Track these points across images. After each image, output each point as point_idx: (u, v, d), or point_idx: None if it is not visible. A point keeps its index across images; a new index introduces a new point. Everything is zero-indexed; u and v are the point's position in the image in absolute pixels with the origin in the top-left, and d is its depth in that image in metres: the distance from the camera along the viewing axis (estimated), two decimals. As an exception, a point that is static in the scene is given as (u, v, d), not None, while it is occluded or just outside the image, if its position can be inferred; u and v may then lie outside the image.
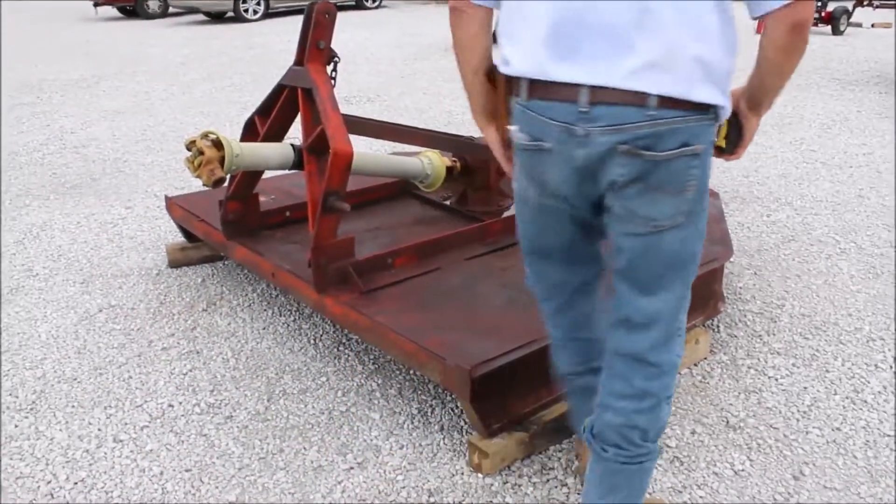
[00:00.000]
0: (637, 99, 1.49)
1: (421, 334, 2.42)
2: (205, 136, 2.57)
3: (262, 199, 3.45)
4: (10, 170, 5.61)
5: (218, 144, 2.56)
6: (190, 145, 2.54)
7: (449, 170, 3.40)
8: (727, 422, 2.59)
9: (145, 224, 4.46)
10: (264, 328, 3.25)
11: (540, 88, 1.59)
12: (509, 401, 2.37)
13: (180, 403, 2.75)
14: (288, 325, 3.26)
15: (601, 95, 1.51)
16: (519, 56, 1.61)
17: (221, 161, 2.54)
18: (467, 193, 3.59)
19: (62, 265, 3.92)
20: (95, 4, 18.46)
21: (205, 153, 2.50)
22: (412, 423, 2.61)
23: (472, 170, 3.49)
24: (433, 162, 3.34)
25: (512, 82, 1.65)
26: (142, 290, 3.61)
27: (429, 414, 2.65)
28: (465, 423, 2.58)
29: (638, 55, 1.48)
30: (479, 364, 2.24)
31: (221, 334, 3.20)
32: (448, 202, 3.69)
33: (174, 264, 3.82)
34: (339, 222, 2.73)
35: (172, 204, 3.72)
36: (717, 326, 3.20)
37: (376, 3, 19.33)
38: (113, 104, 7.75)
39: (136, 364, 3.00)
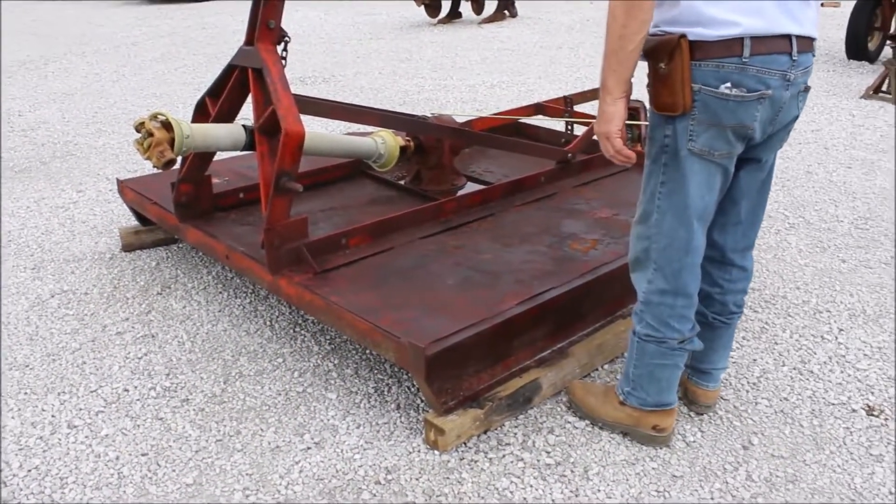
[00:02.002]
0: (812, 45, 2.00)
1: (375, 313, 2.43)
2: (154, 117, 2.54)
3: (214, 180, 3.42)
4: (-44, 154, 5.48)
5: (167, 126, 2.53)
6: (139, 127, 2.51)
7: (402, 149, 3.41)
8: (679, 395, 2.64)
9: (97, 208, 4.39)
10: (220, 311, 3.23)
11: (761, 44, 1.90)
12: (464, 378, 2.39)
13: (135, 388, 2.73)
14: (244, 307, 3.25)
15: (802, 44, 1.95)
16: (744, 17, 1.88)
17: (171, 143, 2.52)
18: (421, 173, 3.60)
19: (12, 251, 3.85)
20: (42, -17, 17.96)
21: (154, 135, 2.47)
22: (369, 402, 2.63)
23: (426, 149, 3.49)
24: (387, 142, 3.34)
25: (721, 46, 1.89)
26: (95, 274, 3.57)
27: (385, 393, 2.67)
28: (422, 401, 2.60)
29: (812, 6, 1.97)
30: (433, 342, 2.26)
31: (177, 317, 3.18)
32: (402, 182, 3.69)
33: (128, 248, 3.78)
34: (292, 203, 2.72)
35: (124, 187, 3.67)
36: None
37: (331, -18, 19.08)
38: (62, 86, 7.59)
39: (90, 349, 2.97)
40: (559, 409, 2.59)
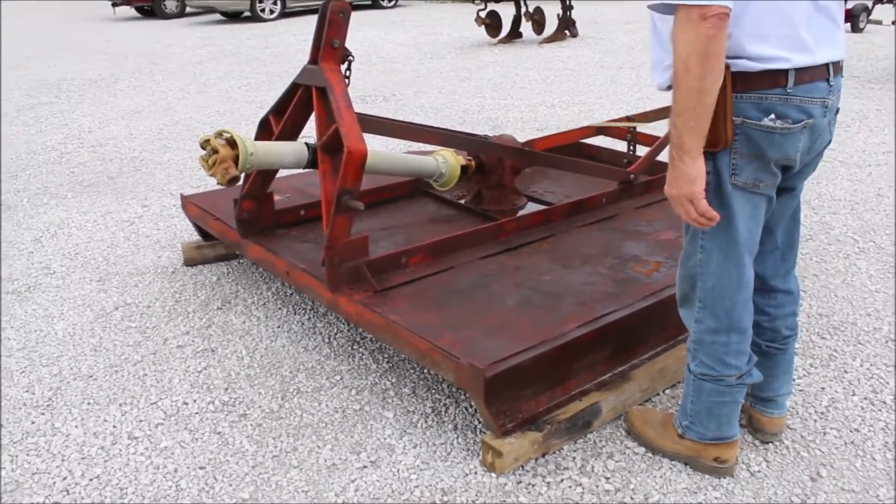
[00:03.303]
0: (841, 67, 1.96)
1: (434, 333, 2.41)
2: (219, 134, 2.57)
3: (276, 197, 3.45)
4: (29, 168, 5.65)
5: (232, 143, 2.56)
6: (204, 144, 2.54)
7: (463, 168, 3.40)
8: (743, 422, 2.56)
9: (161, 222, 4.48)
10: (279, 326, 3.25)
11: (804, 73, 1.86)
12: (523, 400, 2.36)
13: (195, 401, 2.76)
14: (302, 324, 3.26)
15: (836, 69, 1.93)
16: (792, 52, 1.84)
17: (235, 160, 2.55)
18: (482, 192, 3.59)
19: (79, 263, 3.94)
20: (114, 4, 18.59)
21: (219, 152, 2.50)
22: (426, 421, 2.60)
23: (487, 168, 3.48)
24: (447, 160, 3.34)
25: (765, 77, 1.85)
26: (157, 288, 3.63)
27: (442, 413, 2.65)
28: (479, 422, 2.57)
29: (841, 28, 1.94)
30: (492, 363, 2.23)
31: (236, 332, 3.21)
32: (462, 201, 3.68)
33: (190, 262, 3.83)
34: (353, 221, 2.73)
35: (188, 202, 3.73)
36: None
37: (392, 3, 19.34)
38: (130, 103, 7.80)
39: (152, 362, 3.01)
40: (619, 433, 2.53)
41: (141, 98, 8.05)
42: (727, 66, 1.81)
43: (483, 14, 11.11)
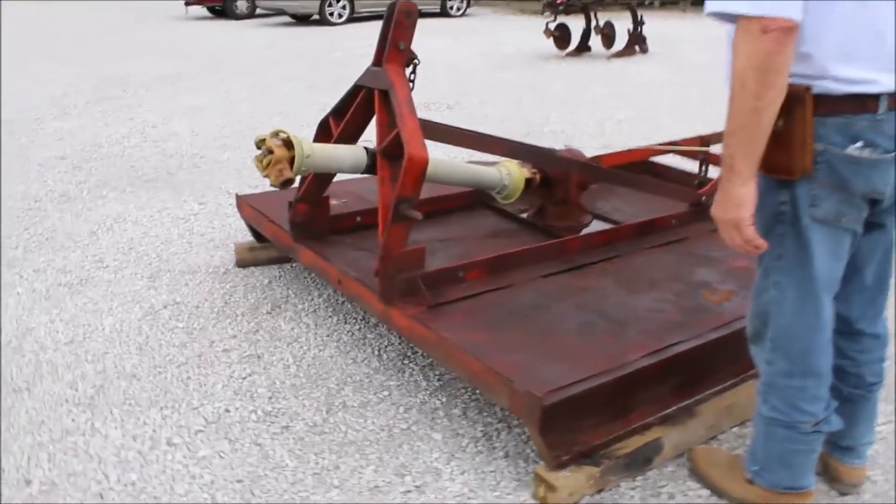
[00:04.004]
0: None
1: (489, 354, 2.28)
2: (276, 134, 2.48)
3: (332, 202, 3.36)
4: (92, 160, 5.68)
5: (288, 144, 2.46)
6: (260, 143, 2.45)
7: (528, 182, 3.26)
8: (819, 471, 2.37)
9: (216, 221, 4.43)
10: (328, 335, 3.15)
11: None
12: (580, 432, 2.20)
13: (237, 409, 2.66)
14: (352, 334, 3.16)
15: None
16: (883, 74, 1.66)
17: (291, 161, 2.45)
18: (546, 207, 3.44)
19: (132, 258, 3.90)
20: (186, 4, 18.91)
21: (274, 152, 2.41)
22: (475, 446, 2.47)
23: (552, 183, 3.33)
24: (511, 172, 3.20)
25: (852, 101, 1.66)
26: (207, 288, 3.56)
27: (493, 438, 2.50)
28: (532, 451, 2.42)
29: None
30: (550, 391, 2.08)
31: (284, 339, 3.12)
32: (525, 215, 3.54)
33: (242, 264, 3.76)
34: (410, 231, 2.60)
35: (242, 203, 3.66)
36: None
37: (461, 12, 19.29)
38: (194, 101, 7.83)
39: (196, 364, 2.93)
40: (681, 472, 2.36)
41: (204, 96, 8.08)
42: (807, 88, 1.64)
43: (552, 26, 10.95)
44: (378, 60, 2.73)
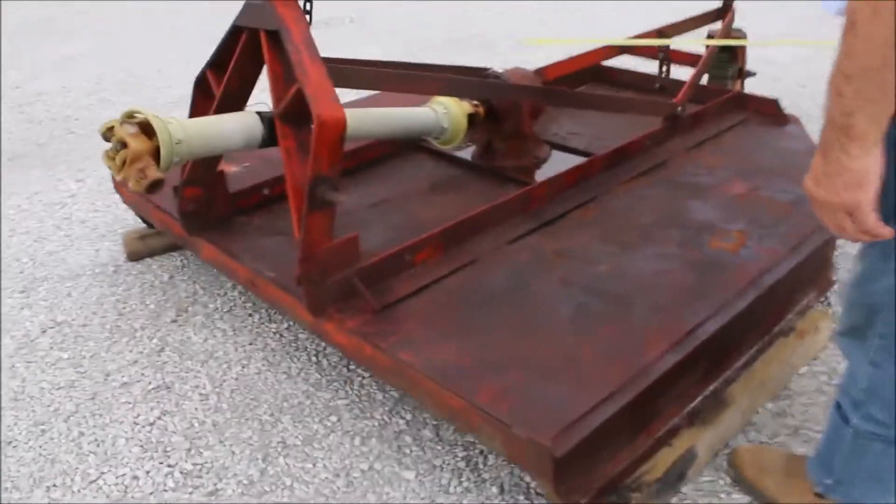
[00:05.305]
0: None
1: (467, 380, 1.70)
2: (128, 117, 1.79)
3: (231, 169, 2.69)
4: (-56, 141, 4.78)
5: (147, 130, 1.77)
6: (108, 133, 1.76)
7: (470, 118, 2.63)
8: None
9: (99, 201, 3.69)
10: (251, 342, 2.54)
11: None
12: (600, 464, 1.67)
13: (147, 473, 2.06)
14: (281, 336, 2.55)
15: None
16: None
17: (156, 154, 1.77)
18: (494, 144, 2.82)
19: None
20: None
21: (129, 145, 1.72)
22: (459, 481, 1.93)
23: (500, 114, 2.71)
24: (450, 110, 2.57)
25: None
26: (95, 296, 2.88)
27: (480, 467, 1.97)
28: (533, 479, 1.89)
29: None
30: (561, 432, 1.53)
31: (197, 356, 2.49)
32: (467, 156, 2.92)
33: (134, 256, 3.08)
34: (335, 217, 1.97)
35: (122, 186, 2.94)
36: (827, 298, 2.49)
37: None
38: (67, 49, 6.81)
39: (89, 412, 2.30)
40: (721, 479, 1.88)
41: (79, 42, 7.04)
42: None
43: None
44: (259, -11, 2.02)
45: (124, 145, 1.72)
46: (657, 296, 1.96)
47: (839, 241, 2.66)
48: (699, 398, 1.90)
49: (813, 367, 2.23)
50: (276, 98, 2.01)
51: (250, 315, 2.68)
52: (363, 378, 2.32)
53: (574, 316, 1.90)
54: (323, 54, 1.97)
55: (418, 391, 1.76)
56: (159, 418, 2.25)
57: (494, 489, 1.89)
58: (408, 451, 2.04)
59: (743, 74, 3.70)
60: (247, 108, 2.19)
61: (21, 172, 4.13)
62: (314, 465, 2.03)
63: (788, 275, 2.07)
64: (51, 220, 3.54)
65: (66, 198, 3.76)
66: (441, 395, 1.69)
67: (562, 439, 1.51)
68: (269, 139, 2.04)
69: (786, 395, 2.14)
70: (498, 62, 3.20)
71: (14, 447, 2.19)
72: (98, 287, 2.94)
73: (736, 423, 1.97)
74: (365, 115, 2.31)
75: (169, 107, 4.88)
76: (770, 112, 3.08)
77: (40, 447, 2.18)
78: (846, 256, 2.69)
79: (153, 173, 1.71)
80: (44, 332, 2.71)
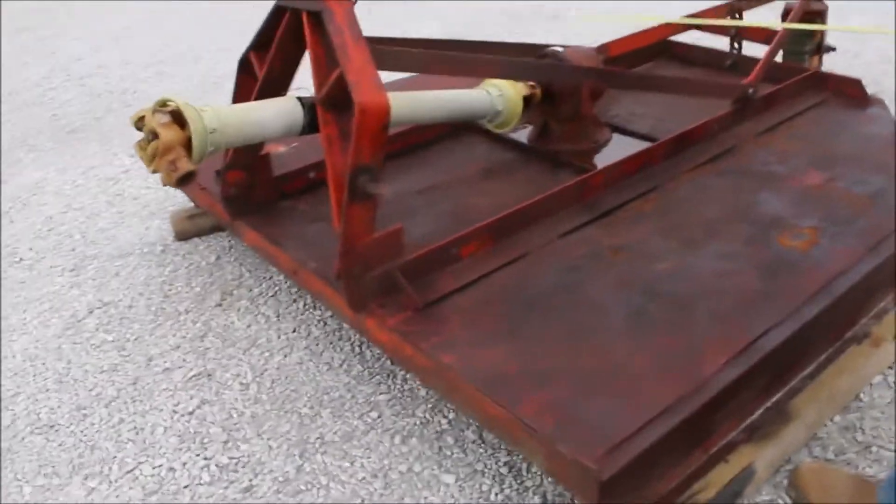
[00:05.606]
0: None
1: (511, 389, 1.60)
2: (161, 106, 1.71)
3: (279, 149, 2.62)
4: (7, 114, 4.83)
5: (179, 120, 1.69)
6: (139, 123, 1.69)
7: (526, 100, 2.50)
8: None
9: (151, 177, 3.65)
10: (294, 330, 2.48)
11: None
12: (650, 484, 1.55)
13: (184, 465, 2.02)
14: (325, 324, 2.48)
15: None
16: None
17: (188, 144, 1.69)
18: (551, 127, 2.69)
19: (51, 244, 3.17)
20: None
21: (160, 136, 1.65)
22: (500, 488, 1.84)
23: (558, 96, 2.57)
24: (504, 92, 2.44)
25: None
26: (142, 277, 2.85)
27: (523, 473, 1.87)
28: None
29: None
30: (608, 452, 1.42)
31: (239, 343, 2.44)
32: (526, 140, 2.79)
33: (182, 236, 3.04)
34: (377, 208, 1.88)
35: (169, 165, 2.89)
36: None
37: None
38: (126, 20, 6.84)
39: (130, 398, 2.27)
40: (780, 499, 1.75)
41: (138, 13, 7.07)
42: None
43: None
44: (303, -33, 1.93)
45: (155, 136, 1.65)
46: (719, 300, 1.82)
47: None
48: (760, 411, 1.77)
49: (888, 377, 2.07)
50: (318, 83, 1.91)
51: (295, 301, 2.62)
52: (406, 372, 2.23)
53: (629, 321, 1.78)
54: (375, 31, 1.86)
55: (459, 397, 1.67)
56: (198, 407, 2.21)
57: (537, 499, 1.80)
58: (449, 453, 1.95)
59: (821, 50, 3.47)
60: (290, 93, 2.10)
61: (80, 146, 4.14)
62: (352, 463, 1.96)
63: (865, 277, 1.90)
64: (104, 196, 3.54)
65: (119, 173, 3.76)
66: (482, 403, 1.59)
67: (608, 460, 1.40)
68: (311, 126, 1.95)
69: (856, 407, 1.99)
70: (564, 34, 3.05)
71: (56, 431, 2.18)
72: (146, 267, 2.91)
73: (800, 438, 1.83)
74: (412, 99, 2.20)
75: (224, 80, 4.84)
76: (852, 93, 2.87)
77: (81, 433, 2.16)
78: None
79: (185, 165, 1.64)
80: (91, 312, 2.69)
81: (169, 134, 1.64)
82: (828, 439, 1.90)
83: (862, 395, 2.02)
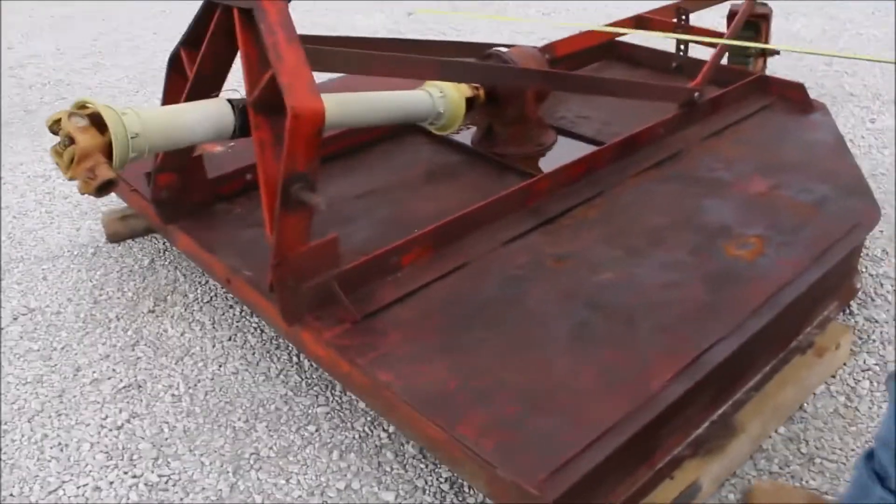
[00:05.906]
0: None
1: (450, 408, 1.54)
2: (79, 108, 1.61)
3: (216, 148, 2.52)
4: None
5: (98, 123, 1.59)
6: (54, 126, 1.58)
7: (469, 101, 2.44)
8: None
9: (84, 176, 3.51)
10: (229, 338, 2.38)
11: None
12: (595, 502, 1.51)
13: (111, 484, 1.92)
14: (261, 332, 2.40)
15: None
16: None
17: (107, 150, 1.59)
18: (495, 130, 2.63)
19: (-23, 247, 3.02)
20: None
21: (77, 141, 1.54)
22: (442, 506, 1.78)
23: (502, 98, 2.51)
24: (446, 94, 2.37)
25: None
26: (72, 281, 2.73)
27: (465, 490, 1.81)
28: (522, 511, 1.73)
29: None
30: (553, 474, 1.37)
31: (172, 352, 2.34)
32: (467, 138, 2.73)
33: (114, 238, 2.92)
34: (312, 217, 1.80)
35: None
36: (849, 308, 2.31)
37: None
38: (63, 8, 6.61)
39: (55, 411, 2.16)
40: (727, 512, 1.72)
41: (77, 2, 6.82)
42: None
43: None
44: (235, -39, 1.83)
45: (72, 141, 1.54)
46: (665, 313, 1.78)
47: (866, 243, 2.47)
48: (705, 425, 1.74)
49: (830, 387, 2.06)
50: (250, 84, 1.82)
51: (231, 307, 2.52)
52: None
53: (573, 334, 1.73)
54: (314, 24, 1.78)
55: (396, 416, 1.61)
56: (128, 421, 2.11)
57: (480, 517, 1.75)
58: (388, 469, 1.89)
59: (766, 53, 3.47)
60: (222, 94, 2.01)
61: (8, 141, 3.97)
62: (287, 481, 1.89)
63: (810, 288, 1.89)
64: (33, 195, 3.39)
65: (50, 170, 3.60)
66: (420, 424, 1.53)
67: (551, 484, 1.35)
68: (243, 129, 1.86)
69: (800, 417, 1.97)
70: (510, 27, 2.99)
71: (-26, 449, 2.06)
72: (75, 271, 2.79)
73: (745, 452, 1.81)
74: (349, 101, 2.12)
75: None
76: (795, 97, 2.87)
77: (3, 451, 2.04)
78: (874, 261, 2.50)
79: (105, 173, 1.54)
80: (16, 319, 2.57)
81: (87, 139, 1.54)
82: (772, 451, 1.88)
83: (805, 405, 2.00)
